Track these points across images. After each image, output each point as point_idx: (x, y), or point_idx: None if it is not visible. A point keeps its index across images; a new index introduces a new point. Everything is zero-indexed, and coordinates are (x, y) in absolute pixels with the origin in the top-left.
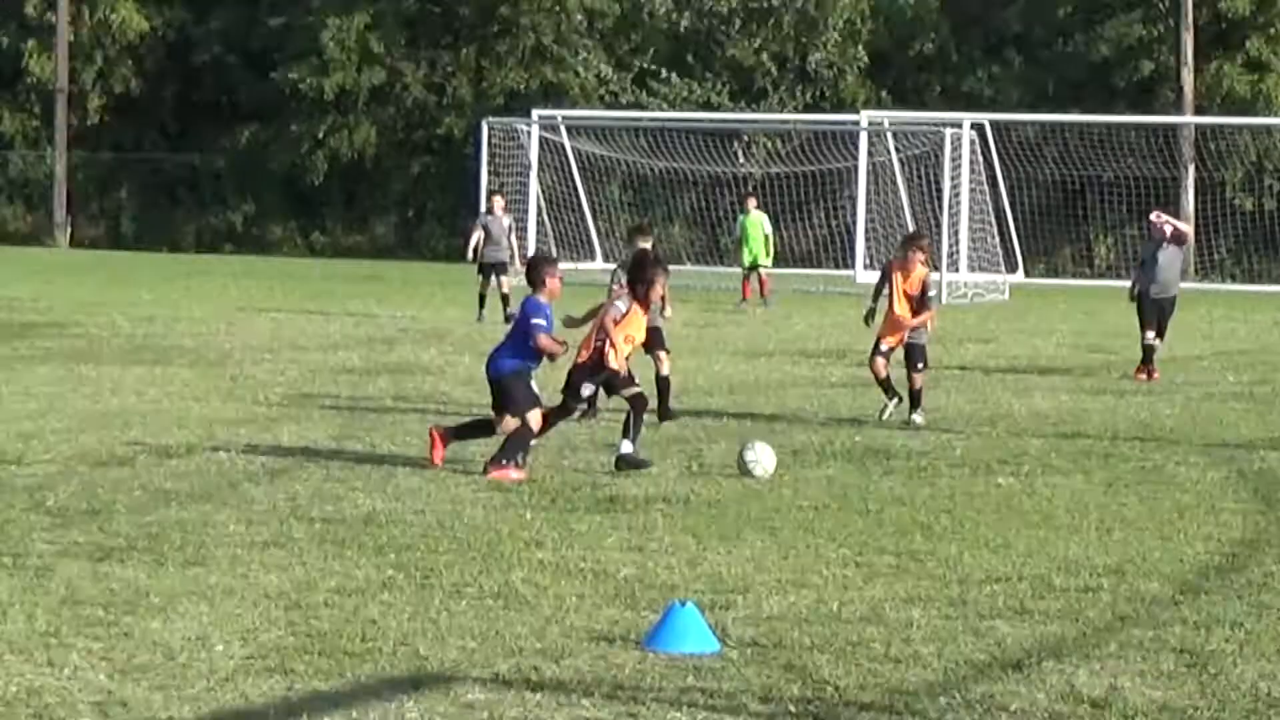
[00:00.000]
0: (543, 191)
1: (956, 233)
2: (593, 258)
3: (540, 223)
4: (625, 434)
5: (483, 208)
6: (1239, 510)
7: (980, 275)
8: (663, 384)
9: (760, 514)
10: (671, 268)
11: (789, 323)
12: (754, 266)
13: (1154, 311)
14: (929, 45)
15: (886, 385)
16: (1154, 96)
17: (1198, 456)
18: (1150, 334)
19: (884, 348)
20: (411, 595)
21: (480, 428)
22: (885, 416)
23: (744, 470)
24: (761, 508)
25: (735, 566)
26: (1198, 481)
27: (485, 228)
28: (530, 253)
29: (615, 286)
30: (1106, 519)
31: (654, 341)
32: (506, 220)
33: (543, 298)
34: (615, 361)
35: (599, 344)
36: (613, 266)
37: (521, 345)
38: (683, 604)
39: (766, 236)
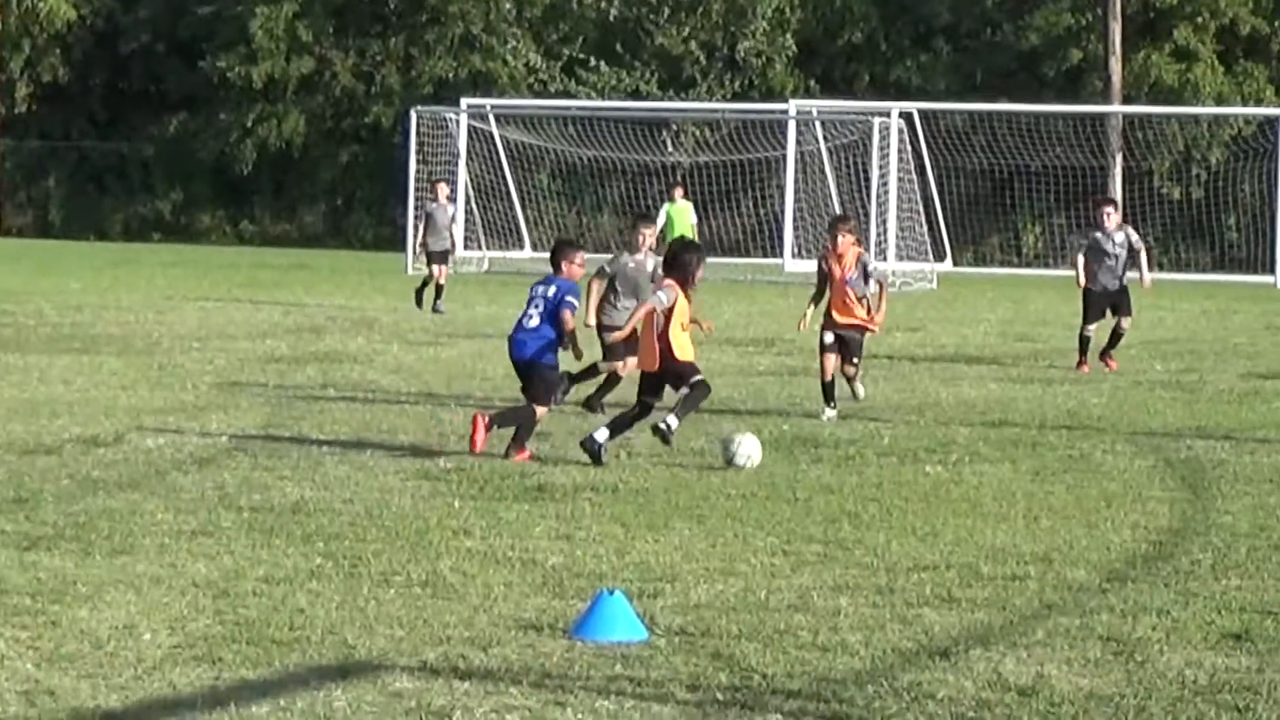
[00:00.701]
0: (471, 180)
1: (884, 222)
2: (521, 247)
3: (469, 211)
4: (677, 409)
5: (411, 197)
6: (1165, 499)
7: (908, 264)
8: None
9: (688, 502)
10: (600, 256)
11: (717, 311)
12: None
13: (1104, 302)
14: (858, 34)
15: (830, 390)
16: (1082, 86)
17: (1125, 445)
18: (1092, 326)
19: (828, 339)
20: (339, 584)
21: (517, 415)
22: (825, 419)
23: (729, 461)
24: (690, 496)
25: (663, 555)
26: (1125, 470)
27: (429, 215)
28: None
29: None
30: (1034, 507)
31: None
32: (450, 209)
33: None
34: (680, 353)
35: (661, 346)
36: (588, 258)
37: (550, 326)
38: (610, 592)
39: (691, 226)
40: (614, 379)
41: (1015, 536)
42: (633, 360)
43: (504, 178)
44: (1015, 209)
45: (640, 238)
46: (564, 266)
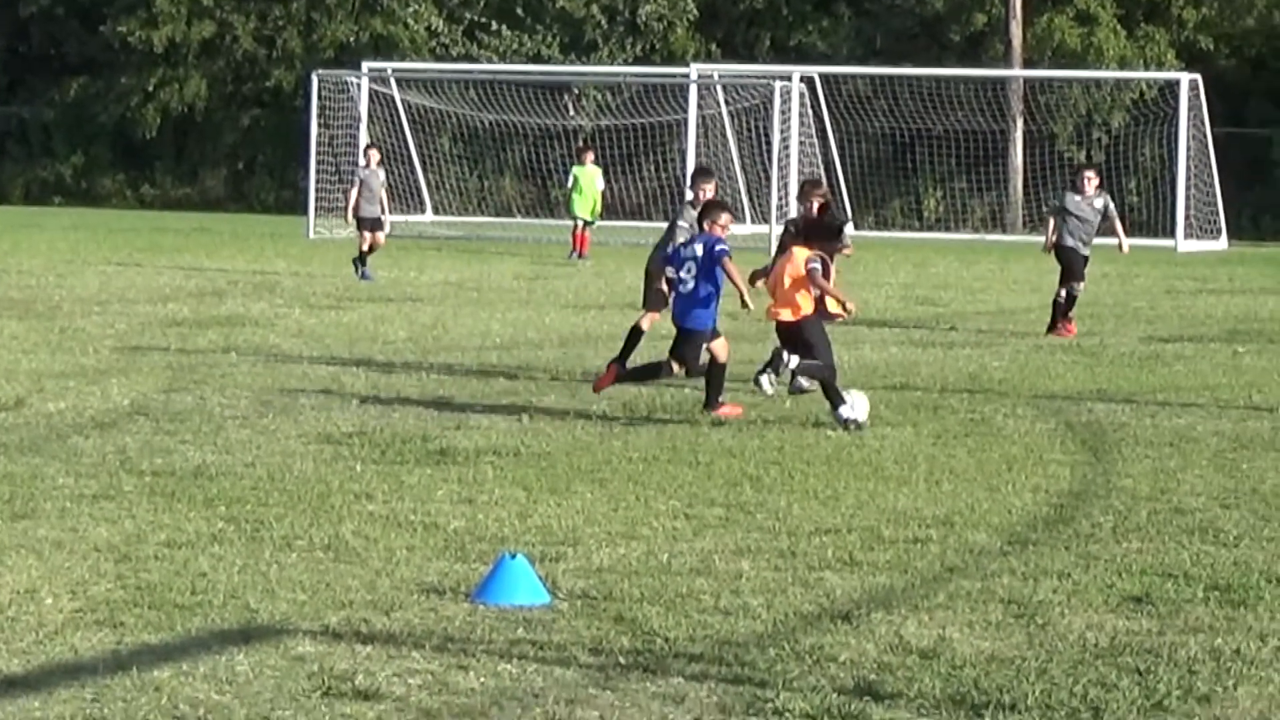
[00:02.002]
0: (373, 144)
1: (785, 186)
2: (423, 210)
3: (353, 174)
4: (804, 372)
5: (312, 161)
6: (1066, 462)
7: None
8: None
9: (590, 466)
10: (501, 220)
11: (619, 276)
12: (590, 222)
13: (1081, 260)
14: None
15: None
16: (984, 50)
17: (1026, 408)
18: (1080, 284)
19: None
20: (241, 548)
21: (652, 371)
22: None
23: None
24: (592, 460)
25: (565, 519)
26: (1026, 433)
27: (362, 182)
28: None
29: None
30: (935, 471)
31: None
32: (382, 174)
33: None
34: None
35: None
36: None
37: (707, 283)
38: (513, 556)
39: (599, 192)
40: (638, 334)
41: (917, 500)
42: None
43: (405, 142)
44: (917, 173)
45: (700, 192)
46: (708, 226)
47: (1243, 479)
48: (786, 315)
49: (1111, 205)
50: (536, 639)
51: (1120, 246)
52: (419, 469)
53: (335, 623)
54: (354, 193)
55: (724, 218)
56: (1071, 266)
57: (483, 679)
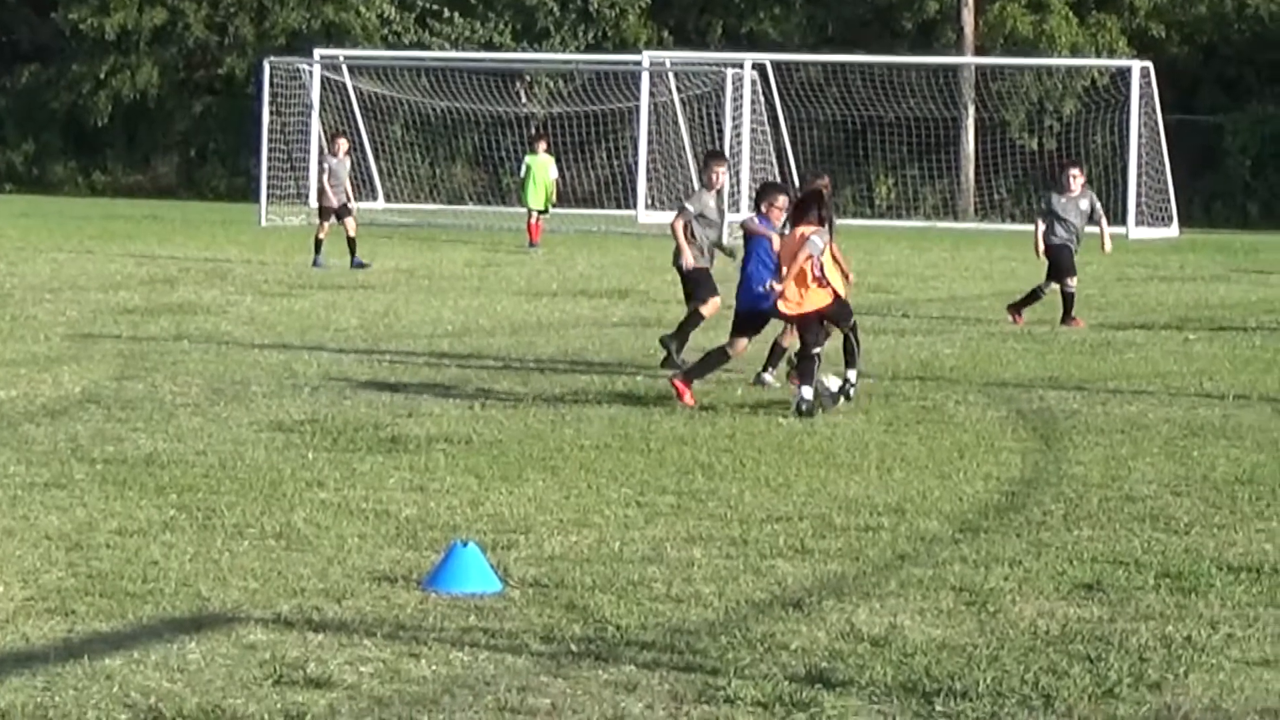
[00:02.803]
0: (325, 131)
1: (737, 173)
2: (375, 198)
3: (321, 162)
4: (850, 364)
5: (264, 148)
6: (1018, 449)
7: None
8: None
9: (542, 454)
10: (453, 208)
11: (571, 263)
12: (544, 210)
13: (1069, 255)
14: None
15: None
16: (936, 37)
17: (977, 396)
18: (1072, 280)
19: None
20: (193, 536)
21: (715, 358)
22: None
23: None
24: (543, 448)
25: (517, 506)
26: (977, 421)
27: (331, 170)
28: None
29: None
30: (887, 458)
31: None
32: (349, 162)
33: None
34: (841, 291)
35: (822, 281)
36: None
37: (768, 263)
38: (464, 544)
39: (552, 180)
40: (697, 319)
41: (868, 487)
42: (715, 300)
43: (357, 129)
44: (868, 160)
45: (714, 176)
46: (765, 208)
47: (1193, 466)
48: (824, 299)
49: (1098, 205)
50: (488, 627)
51: (1103, 245)
52: (371, 457)
53: (287, 611)
54: (323, 179)
55: (781, 200)
56: (1059, 263)
57: (434, 667)
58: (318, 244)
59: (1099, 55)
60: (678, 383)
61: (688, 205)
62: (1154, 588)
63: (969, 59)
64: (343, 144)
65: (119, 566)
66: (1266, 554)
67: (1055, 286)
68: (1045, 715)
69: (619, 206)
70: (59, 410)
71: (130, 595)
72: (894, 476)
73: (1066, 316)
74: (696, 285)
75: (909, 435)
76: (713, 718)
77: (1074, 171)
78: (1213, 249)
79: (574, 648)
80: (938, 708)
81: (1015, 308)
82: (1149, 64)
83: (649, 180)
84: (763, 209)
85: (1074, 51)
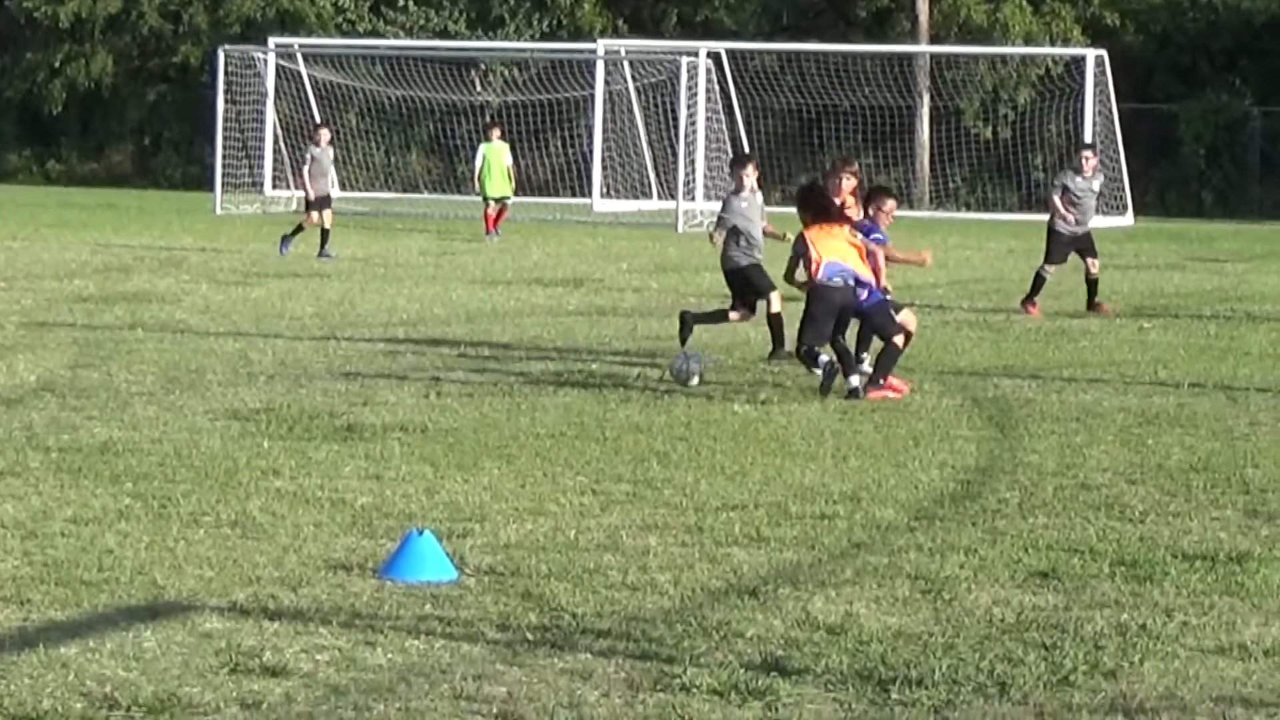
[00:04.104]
0: (280, 120)
1: (693, 161)
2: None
3: (277, 151)
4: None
5: (219, 137)
6: (973, 437)
7: (716, 204)
8: (775, 321)
9: (497, 442)
10: (408, 196)
11: (526, 251)
12: (502, 199)
13: (1070, 246)
14: None
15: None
16: (890, 26)
17: (932, 384)
18: (1051, 268)
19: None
20: (148, 524)
21: (891, 353)
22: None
23: (682, 379)
24: (499, 436)
25: (473, 495)
26: (932, 409)
27: (314, 159)
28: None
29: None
30: (842, 446)
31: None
32: (331, 151)
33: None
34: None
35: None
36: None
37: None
38: (420, 532)
39: (507, 168)
40: (721, 316)
41: (824, 475)
42: (775, 294)
43: (312, 117)
44: (823, 148)
45: (741, 178)
46: (874, 212)
47: (1148, 454)
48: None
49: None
50: (444, 615)
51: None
52: (326, 445)
53: (243, 599)
54: (306, 171)
55: (889, 204)
56: (1051, 250)
57: (390, 655)
58: (324, 235)
59: (1053, 44)
60: (875, 393)
61: (723, 216)
62: (1109, 576)
63: (923, 48)
64: (325, 134)
65: (74, 555)
66: (1221, 542)
67: (1053, 269)
68: (1000, 703)
69: (574, 195)
70: (13, 399)
71: (85, 584)
72: (849, 465)
73: (1092, 305)
74: (747, 282)
75: (864, 423)
76: (668, 705)
77: (1087, 154)
78: (1167, 237)
79: (530, 636)
80: (893, 695)
81: (1027, 300)
82: (1103, 53)
83: (604, 169)
84: (870, 213)
85: (1028, 40)
